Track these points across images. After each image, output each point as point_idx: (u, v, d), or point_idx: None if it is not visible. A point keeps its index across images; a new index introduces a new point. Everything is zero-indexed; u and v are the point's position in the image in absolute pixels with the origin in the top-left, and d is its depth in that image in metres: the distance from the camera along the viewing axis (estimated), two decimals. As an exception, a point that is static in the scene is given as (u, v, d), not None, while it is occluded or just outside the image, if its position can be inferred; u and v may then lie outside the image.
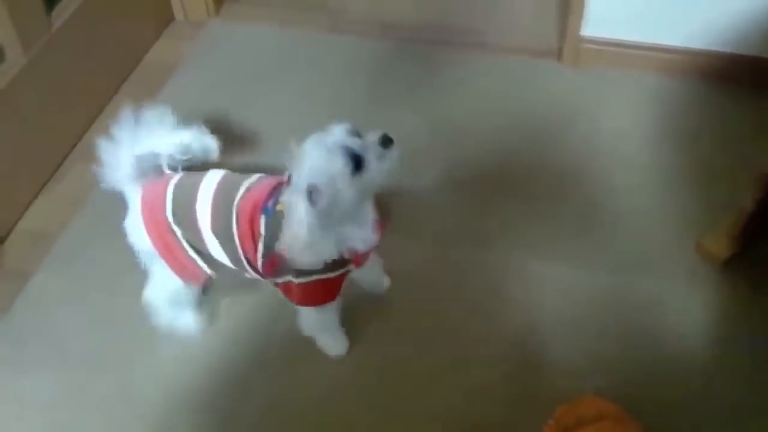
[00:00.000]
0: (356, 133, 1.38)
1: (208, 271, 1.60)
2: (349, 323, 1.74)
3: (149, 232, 1.53)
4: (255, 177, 1.54)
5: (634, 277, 1.85)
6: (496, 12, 2.71)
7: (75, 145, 2.32)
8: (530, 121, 2.32)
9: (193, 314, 1.75)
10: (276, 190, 1.47)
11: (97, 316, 1.84)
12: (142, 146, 1.50)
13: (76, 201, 2.13)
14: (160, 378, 1.71)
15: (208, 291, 1.81)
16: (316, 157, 1.34)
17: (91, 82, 2.38)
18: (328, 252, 1.40)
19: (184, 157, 1.52)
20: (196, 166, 1.55)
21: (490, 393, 1.65)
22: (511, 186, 2.12)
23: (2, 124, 2.02)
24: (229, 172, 1.56)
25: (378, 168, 1.38)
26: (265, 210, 1.46)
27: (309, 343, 1.71)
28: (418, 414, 1.63)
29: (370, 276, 1.78)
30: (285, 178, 1.43)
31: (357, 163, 1.34)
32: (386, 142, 1.40)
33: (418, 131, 2.29)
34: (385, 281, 1.85)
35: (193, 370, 1.73)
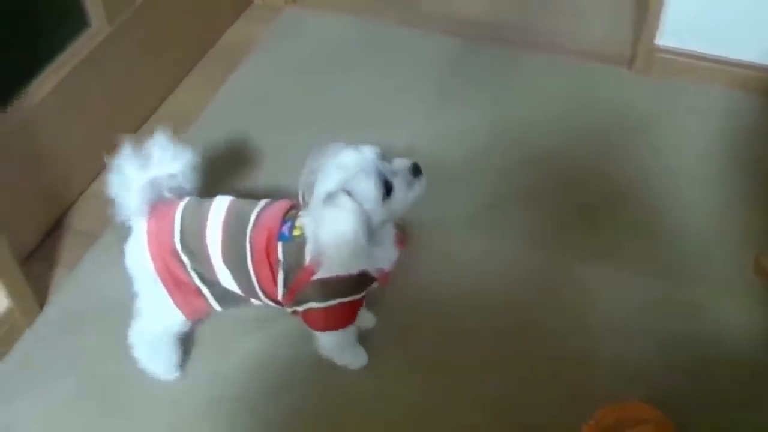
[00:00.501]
0: (384, 157, 1.39)
1: (214, 304, 1.54)
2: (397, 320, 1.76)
3: (153, 257, 1.47)
4: (263, 203, 1.50)
5: (689, 288, 1.84)
6: (570, 14, 2.71)
7: (149, 117, 2.41)
8: (596, 127, 2.31)
9: (171, 357, 1.66)
10: (288, 215, 1.46)
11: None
12: (148, 174, 1.43)
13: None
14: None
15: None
16: (347, 177, 1.34)
17: (168, 57, 2.47)
18: (367, 257, 1.39)
19: (185, 184, 1.47)
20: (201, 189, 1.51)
21: (533, 389, 1.66)
22: (571, 189, 2.12)
23: (85, 88, 2.11)
24: (236, 198, 1.52)
25: (404, 196, 1.39)
26: (281, 236, 1.43)
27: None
28: (461, 404, 1.64)
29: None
30: (295, 201, 1.44)
31: (387, 189, 1.36)
32: (416, 171, 1.41)
33: (482, 130, 2.31)
34: (370, 317, 1.78)
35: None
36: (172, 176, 1.44)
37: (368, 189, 1.33)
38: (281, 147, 2.25)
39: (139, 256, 1.48)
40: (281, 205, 1.48)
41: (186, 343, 1.70)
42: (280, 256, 1.43)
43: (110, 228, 2.04)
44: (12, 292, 1.74)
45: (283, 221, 1.44)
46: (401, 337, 1.78)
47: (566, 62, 2.53)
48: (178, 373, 1.68)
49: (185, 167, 1.44)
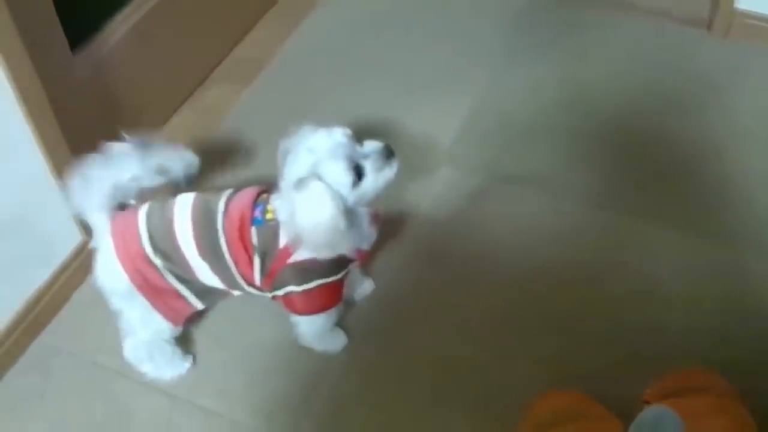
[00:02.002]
0: (355, 140, 1.35)
1: (194, 302, 1.51)
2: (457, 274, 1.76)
3: (125, 266, 1.41)
4: (228, 192, 1.46)
5: (757, 258, 1.81)
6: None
7: (219, 64, 2.43)
8: (670, 88, 2.26)
9: (173, 358, 1.63)
10: (258, 199, 1.43)
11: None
12: (117, 176, 1.38)
13: (215, 115, 2.25)
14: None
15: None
16: (316, 161, 1.31)
17: (240, 4, 2.49)
18: (345, 239, 1.35)
19: (163, 180, 1.41)
20: (184, 186, 1.45)
21: (591, 351, 1.66)
22: (641, 151, 2.09)
23: (157, 33, 2.14)
24: (198, 193, 1.47)
25: (375, 180, 1.35)
26: (254, 221, 1.40)
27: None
28: (515, 360, 1.65)
29: (352, 282, 1.69)
30: (264, 186, 1.42)
31: (358, 174, 1.33)
32: (388, 154, 1.37)
33: (550, 87, 2.28)
34: (368, 284, 1.77)
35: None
36: (136, 179, 1.38)
37: (338, 173, 1.31)
38: (346, 100, 2.26)
39: (110, 271, 1.43)
40: (250, 191, 1.45)
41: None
42: (255, 240, 1.40)
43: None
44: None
45: (255, 206, 1.42)
46: (458, 293, 1.79)
47: (643, 21, 2.47)
48: (188, 365, 1.65)
49: (150, 169, 1.38)
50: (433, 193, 2.00)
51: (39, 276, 1.72)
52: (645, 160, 2.06)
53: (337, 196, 1.30)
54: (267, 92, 2.34)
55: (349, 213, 1.34)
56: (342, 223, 1.30)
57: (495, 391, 1.60)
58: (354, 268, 1.62)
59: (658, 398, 1.48)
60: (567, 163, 2.07)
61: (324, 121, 2.14)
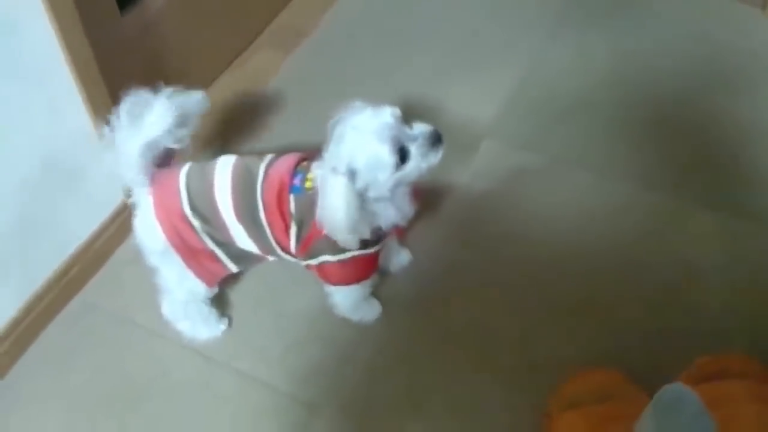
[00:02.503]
0: (404, 121, 1.32)
1: (230, 265, 1.52)
2: (495, 253, 1.74)
3: (163, 225, 1.43)
4: (269, 157, 1.46)
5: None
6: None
7: (265, 27, 2.43)
8: (720, 67, 2.21)
9: (209, 318, 1.65)
10: (299, 167, 1.42)
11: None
12: (146, 133, 1.34)
13: (262, 78, 2.26)
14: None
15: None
16: (361, 140, 1.28)
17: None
18: (364, 231, 1.35)
19: (186, 129, 1.38)
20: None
21: (631, 332, 1.64)
22: (690, 132, 2.05)
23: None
24: (240, 156, 1.47)
25: (418, 164, 1.32)
26: (293, 188, 1.39)
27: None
28: (557, 337, 1.65)
29: (388, 253, 1.70)
30: (306, 153, 1.41)
31: (401, 155, 1.30)
32: (436, 139, 1.33)
33: (600, 62, 2.25)
34: (405, 256, 1.76)
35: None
36: (169, 132, 1.35)
37: (382, 155, 1.28)
38: (389, 70, 2.25)
39: (148, 229, 1.44)
40: (290, 158, 1.44)
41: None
42: (292, 208, 1.40)
43: (220, 139, 2.10)
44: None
45: (294, 173, 1.41)
46: (497, 267, 1.78)
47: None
48: (223, 327, 1.68)
49: (181, 118, 1.35)
50: (475, 166, 1.99)
51: (81, 232, 1.75)
52: (692, 140, 2.02)
53: (353, 195, 1.28)
54: (309, 61, 2.33)
55: (390, 194, 1.35)
56: (353, 220, 1.29)
57: (529, 366, 1.60)
58: (390, 240, 1.63)
59: (694, 382, 1.46)
60: (612, 141, 2.04)
61: (366, 92, 2.12)
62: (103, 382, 1.63)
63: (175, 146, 1.39)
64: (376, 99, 2.12)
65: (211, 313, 1.65)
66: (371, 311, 1.67)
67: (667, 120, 2.08)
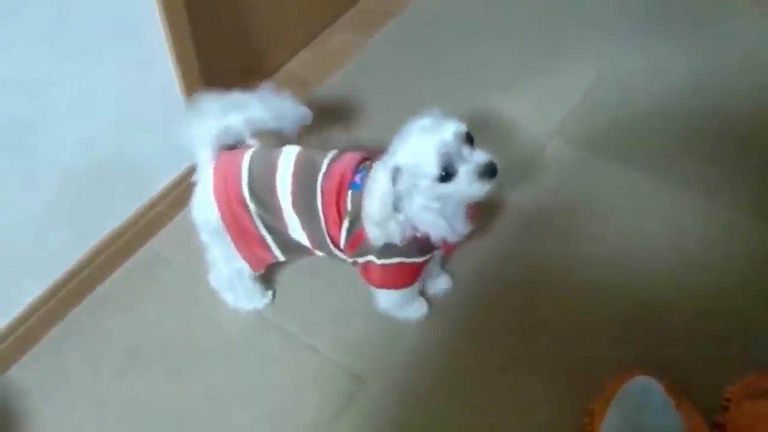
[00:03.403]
0: (469, 139, 1.29)
1: (277, 253, 1.53)
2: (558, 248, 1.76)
3: (219, 204, 1.45)
4: (333, 153, 1.46)
5: None
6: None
7: (343, 13, 2.48)
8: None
9: (254, 293, 1.70)
10: (362, 165, 1.42)
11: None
12: (233, 117, 1.40)
13: (340, 60, 2.30)
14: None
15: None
16: (415, 146, 1.28)
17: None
18: (395, 233, 1.34)
19: (275, 126, 1.42)
20: (286, 137, 1.46)
21: (685, 340, 1.64)
22: (762, 150, 2.02)
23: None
24: (304, 147, 1.47)
25: (464, 188, 1.28)
26: (352, 185, 1.39)
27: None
28: (613, 338, 1.65)
29: (429, 274, 1.69)
30: (369, 153, 1.40)
31: (448, 174, 1.27)
32: (489, 171, 1.28)
33: (678, 72, 2.23)
34: (444, 282, 1.74)
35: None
36: (250, 121, 1.41)
37: (428, 163, 1.26)
38: (467, 62, 2.28)
39: (204, 205, 1.47)
40: (354, 155, 1.44)
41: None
42: (348, 204, 1.40)
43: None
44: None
45: (357, 170, 1.41)
46: (554, 265, 1.79)
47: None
48: (267, 300, 1.72)
49: (266, 114, 1.40)
50: (542, 165, 2.00)
51: (160, 180, 1.82)
52: (764, 159, 1.99)
53: (390, 191, 1.28)
54: (390, 46, 2.37)
55: (441, 208, 1.34)
56: (385, 217, 1.30)
57: (576, 364, 1.61)
58: (436, 259, 1.64)
59: (742, 398, 1.46)
60: (680, 150, 2.02)
61: (441, 85, 2.21)
62: (161, 331, 1.70)
63: (254, 133, 1.45)
64: (450, 91, 2.17)
65: (255, 288, 1.69)
66: (416, 310, 1.68)
67: (739, 135, 2.05)
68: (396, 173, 1.28)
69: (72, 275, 1.69)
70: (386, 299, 1.59)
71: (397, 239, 1.35)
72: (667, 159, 2.00)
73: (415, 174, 1.28)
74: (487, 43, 2.34)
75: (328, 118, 2.12)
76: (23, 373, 1.64)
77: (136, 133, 1.68)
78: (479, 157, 1.28)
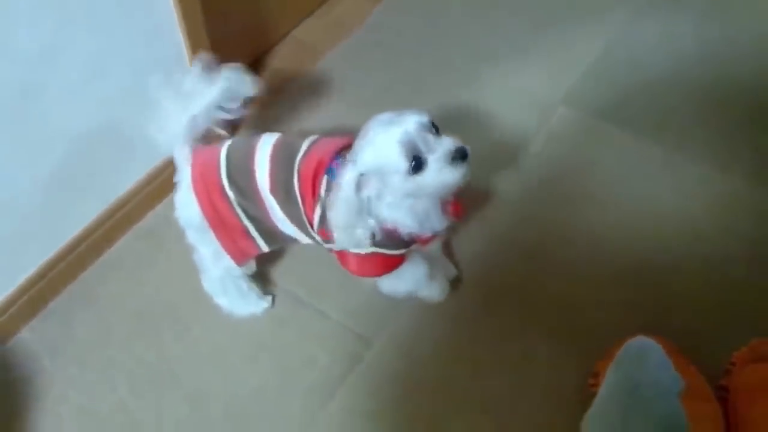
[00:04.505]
0: (435, 128, 1.26)
1: (261, 243, 1.49)
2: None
3: (199, 197, 1.42)
4: (313, 137, 1.42)
5: None
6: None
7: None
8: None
9: (252, 295, 1.66)
10: (342, 151, 1.36)
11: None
12: (194, 104, 1.36)
13: (348, 26, 2.29)
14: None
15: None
16: (378, 143, 1.24)
17: None
18: (361, 239, 1.31)
19: (233, 105, 1.39)
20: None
21: (693, 306, 1.64)
22: (764, 118, 2.01)
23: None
24: (284, 134, 1.44)
25: (436, 177, 1.24)
26: (329, 170, 1.35)
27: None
28: (619, 303, 1.65)
29: (434, 264, 1.63)
30: (350, 141, 1.34)
31: (417, 164, 1.23)
32: (460, 156, 1.24)
33: (690, 38, 2.22)
34: (449, 272, 1.70)
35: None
36: (216, 107, 1.37)
37: (393, 158, 1.22)
38: (475, 31, 2.27)
39: (186, 202, 1.44)
40: (336, 140, 1.39)
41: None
42: (322, 191, 1.35)
43: (306, 73, 2.14)
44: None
45: (336, 156, 1.36)
46: (562, 233, 1.79)
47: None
48: (266, 305, 1.68)
49: (229, 93, 1.37)
50: (548, 130, 2.00)
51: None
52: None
53: (353, 195, 1.25)
54: (397, 13, 2.35)
55: (414, 204, 1.30)
56: (348, 223, 1.27)
57: (581, 326, 1.62)
58: (437, 254, 1.63)
59: (748, 362, 1.47)
60: (689, 120, 2.01)
61: (450, 51, 2.20)
62: (169, 293, 1.71)
63: (217, 124, 1.42)
64: (456, 60, 2.16)
65: (251, 289, 1.65)
66: (433, 293, 1.65)
67: (748, 104, 2.04)
68: (361, 180, 1.25)
69: (80, 239, 1.71)
70: (383, 284, 1.54)
71: (365, 244, 1.32)
72: (675, 127, 2.00)
73: (384, 173, 1.25)
74: (496, 12, 2.32)
75: (333, 86, 2.12)
76: (33, 335, 1.66)
77: (145, 99, 1.67)
78: (446, 143, 1.25)
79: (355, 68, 2.17)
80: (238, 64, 1.38)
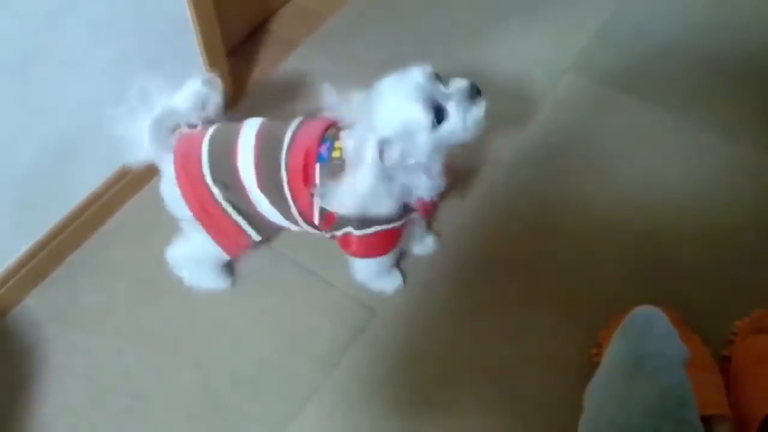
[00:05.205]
0: (439, 78, 1.23)
1: (252, 234, 1.46)
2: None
3: (186, 196, 1.38)
4: (296, 121, 1.37)
5: None
6: None
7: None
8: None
9: (214, 275, 1.64)
10: (327, 134, 1.33)
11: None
12: (157, 110, 1.33)
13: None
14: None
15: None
16: (394, 105, 1.20)
17: None
18: (388, 207, 1.26)
19: (201, 112, 1.37)
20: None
21: (696, 276, 1.64)
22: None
23: None
24: (266, 120, 1.40)
25: (460, 122, 1.22)
26: (319, 158, 1.31)
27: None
28: (622, 272, 1.66)
29: (412, 236, 1.64)
30: (334, 120, 1.31)
31: (438, 114, 1.20)
32: (474, 92, 1.23)
33: (700, 5, 2.19)
34: (430, 242, 1.70)
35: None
36: (178, 111, 1.35)
37: (414, 117, 1.19)
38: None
39: (174, 200, 1.41)
40: (318, 124, 1.35)
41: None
42: (318, 179, 1.32)
43: (309, 39, 2.12)
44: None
45: (322, 140, 1.33)
46: (567, 203, 1.79)
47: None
48: (225, 286, 1.66)
49: (195, 98, 1.34)
50: (555, 99, 1.98)
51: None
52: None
53: (380, 169, 1.20)
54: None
55: (424, 164, 1.26)
56: (380, 191, 1.22)
57: (584, 297, 1.62)
58: (418, 222, 1.60)
59: (750, 332, 1.48)
60: (697, 86, 2.00)
61: (456, 14, 2.17)
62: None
63: (190, 125, 1.39)
64: (463, 23, 2.14)
65: (214, 271, 1.64)
66: (391, 283, 1.64)
67: (758, 73, 2.02)
68: (383, 146, 1.21)
69: (84, 208, 1.70)
70: (364, 268, 1.55)
71: (392, 211, 1.28)
72: (684, 95, 1.98)
73: (408, 134, 1.21)
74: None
75: (338, 50, 2.10)
76: (39, 302, 1.67)
77: (150, 68, 1.66)
78: (457, 84, 1.23)
79: (359, 30, 2.15)
80: (205, 73, 1.37)
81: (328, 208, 1.30)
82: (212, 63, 1.81)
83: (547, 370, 1.53)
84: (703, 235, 1.71)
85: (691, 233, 1.72)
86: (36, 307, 1.66)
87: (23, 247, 1.63)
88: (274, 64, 2.07)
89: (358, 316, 1.62)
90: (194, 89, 1.34)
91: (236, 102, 1.97)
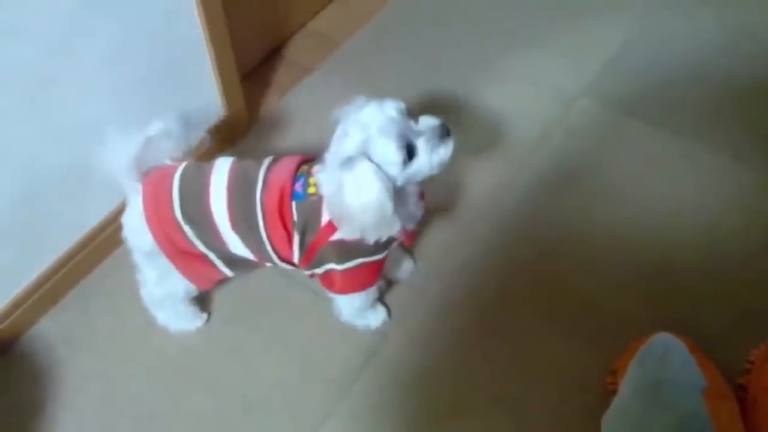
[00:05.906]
0: (409, 115, 1.25)
1: (224, 269, 1.44)
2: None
3: (152, 228, 1.36)
4: (268, 161, 1.37)
5: None
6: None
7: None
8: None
9: (188, 315, 1.63)
10: (299, 171, 1.34)
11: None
12: (134, 141, 1.32)
13: (364, 16, 2.28)
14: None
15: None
16: (366, 137, 1.21)
17: None
18: (395, 224, 1.26)
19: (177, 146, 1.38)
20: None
21: (711, 304, 1.63)
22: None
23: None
24: (237, 159, 1.39)
25: (428, 160, 1.24)
26: (295, 195, 1.31)
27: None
28: (638, 298, 1.65)
29: (392, 259, 1.63)
30: (305, 156, 1.33)
31: (409, 151, 1.22)
32: (443, 132, 1.25)
33: (714, 31, 2.20)
34: (407, 265, 1.70)
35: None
36: (154, 141, 1.34)
37: (388, 152, 1.21)
38: (492, 16, 2.27)
39: (136, 229, 1.39)
40: (290, 161, 1.36)
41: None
42: (295, 216, 1.32)
43: (323, 65, 2.14)
44: (229, 104, 1.88)
45: (295, 178, 1.33)
46: (582, 227, 1.79)
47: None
48: (200, 323, 1.65)
49: (169, 129, 1.33)
50: (568, 125, 1.99)
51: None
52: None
53: (386, 178, 1.21)
54: (413, 1, 2.35)
55: (398, 194, 1.26)
56: (389, 207, 1.21)
57: (599, 325, 1.61)
58: (396, 248, 1.57)
59: (765, 360, 1.46)
60: (711, 113, 2.00)
61: (466, 38, 2.19)
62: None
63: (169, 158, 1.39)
64: (472, 48, 2.15)
65: (187, 311, 1.62)
66: (376, 318, 1.63)
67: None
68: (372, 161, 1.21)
69: (98, 231, 1.71)
70: (348, 305, 1.53)
71: (397, 230, 1.29)
72: (696, 121, 1.98)
73: (381, 165, 1.22)
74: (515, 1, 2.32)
75: (352, 76, 2.11)
76: (52, 325, 1.67)
77: (165, 92, 1.68)
78: (427, 123, 1.26)
79: (373, 55, 2.17)
80: (182, 114, 1.37)
81: (346, 236, 1.29)
82: (226, 87, 1.82)
83: (561, 399, 1.52)
84: (717, 260, 1.70)
85: (704, 258, 1.71)
86: (49, 330, 1.66)
87: (37, 271, 1.63)
88: (288, 89, 2.08)
89: (370, 339, 1.62)
90: (168, 126, 1.34)
91: (250, 126, 1.98)
